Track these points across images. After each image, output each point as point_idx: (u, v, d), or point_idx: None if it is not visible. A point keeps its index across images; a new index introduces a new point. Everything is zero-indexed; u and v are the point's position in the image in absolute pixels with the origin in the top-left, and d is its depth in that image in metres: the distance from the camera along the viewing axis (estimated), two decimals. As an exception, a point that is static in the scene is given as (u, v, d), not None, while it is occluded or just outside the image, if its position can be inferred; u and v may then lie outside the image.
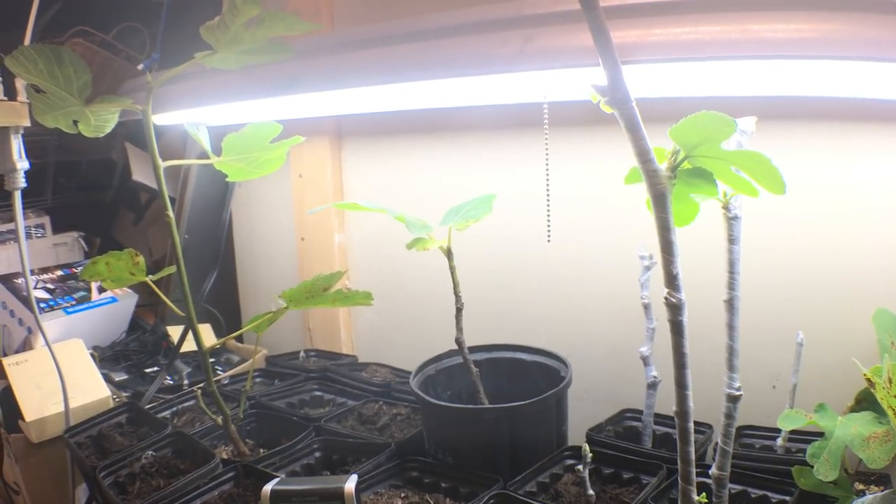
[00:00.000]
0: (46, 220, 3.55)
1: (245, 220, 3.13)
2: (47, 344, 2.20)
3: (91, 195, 4.00)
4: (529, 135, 2.12)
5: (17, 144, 2.04)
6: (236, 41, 1.54)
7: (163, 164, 1.67)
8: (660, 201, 1.04)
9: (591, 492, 1.53)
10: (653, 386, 1.79)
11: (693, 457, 1.20)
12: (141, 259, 1.73)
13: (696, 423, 1.71)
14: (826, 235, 1.74)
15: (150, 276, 1.78)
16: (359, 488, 1.35)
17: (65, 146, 3.63)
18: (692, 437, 1.19)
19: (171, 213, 1.69)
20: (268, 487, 1.35)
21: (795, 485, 1.47)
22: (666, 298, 1.10)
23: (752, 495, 1.55)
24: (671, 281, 1.08)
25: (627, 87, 0.96)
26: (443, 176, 2.40)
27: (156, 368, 2.75)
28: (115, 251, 1.71)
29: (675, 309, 1.10)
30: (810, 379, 1.66)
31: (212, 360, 2.78)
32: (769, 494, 1.54)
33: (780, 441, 1.70)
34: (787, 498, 1.50)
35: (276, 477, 1.63)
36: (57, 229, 3.61)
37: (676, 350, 1.12)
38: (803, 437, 1.66)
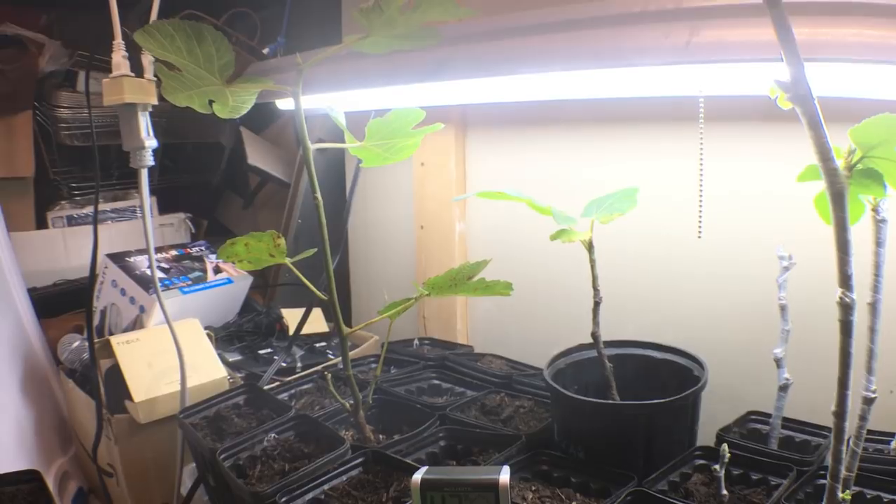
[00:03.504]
0: (153, 201, 3.59)
1: (361, 206, 3.14)
2: (168, 321, 2.20)
3: (197, 178, 4.04)
4: (673, 128, 2.10)
5: (144, 122, 2.04)
6: (390, 25, 1.53)
7: (312, 147, 1.66)
8: (837, 200, 1.04)
9: (724, 492, 1.52)
10: (784, 388, 1.77)
11: (844, 456, 1.20)
12: (282, 241, 1.73)
13: (815, 426, 1.74)
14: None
15: (289, 258, 1.78)
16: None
17: (171, 129, 3.66)
18: (846, 437, 1.18)
19: (319, 196, 1.69)
20: (417, 476, 1.34)
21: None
22: (840, 298, 1.08)
23: (868, 496, 1.54)
24: (845, 280, 1.08)
25: (810, 84, 0.96)
26: (569, 169, 2.38)
27: (269, 350, 2.77)
28: (256, 232, 1.71)
29: (847, 309, 1.09)
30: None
31: (323, 343, 2.79)
32: (882, 495, 1.54)
33: (893, 444, 1.69)
34: (899, 499, 1.51)
35: (410, 464, 1.63)
36: (163, 210, 3.64)
37: (843, 350, 1.12)
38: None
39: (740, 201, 2.02)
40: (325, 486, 1.69)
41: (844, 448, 1.19)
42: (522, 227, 1.66)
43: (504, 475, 1.31)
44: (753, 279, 1.98)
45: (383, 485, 1.69)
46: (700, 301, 2.15)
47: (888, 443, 1.71)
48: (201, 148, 3.96)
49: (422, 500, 1.33)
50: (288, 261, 1.76)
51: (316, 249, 1.76)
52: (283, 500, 1.62)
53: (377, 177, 3.00)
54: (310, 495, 1.66)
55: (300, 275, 1.80)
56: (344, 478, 1.73)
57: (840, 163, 1.05)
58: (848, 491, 1.25)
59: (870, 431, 1.73)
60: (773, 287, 1.73)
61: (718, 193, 2.02)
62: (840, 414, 1.16)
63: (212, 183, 4.04)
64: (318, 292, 1.79)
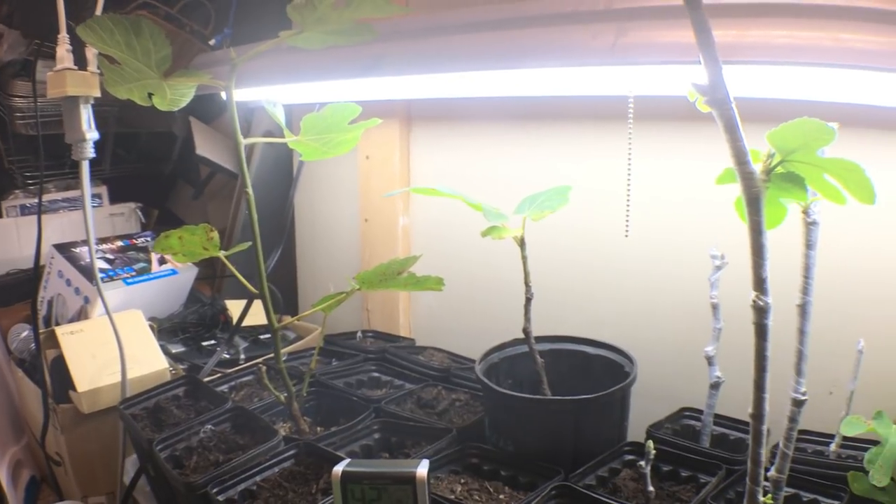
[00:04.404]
0: (104, 190, 3.58)
1: (307, 199, 3.15)
2: (108, 313, 2.21)
3: (149, 167, 4.03)
4: (606, 128, 2.12)
5: (86, 115, 2.04)
6: (323, 21, 1.54)
7: (244, 141, 1.67)
8: (753, 204, 1.04)
9: (650, 488, 1.54)
10: (715, 386, 1.79)
11: (763, 459, 1.20)
12: (215, 234, 1.74)
13: None
14: (891, 241, 1.74)
15: (223, 251, 1.78)
16: (430, 473, 1.35)
17: (124, 118, 3.65)
18: (765, 440, 1.19)
19: (250, 190, 1.70)
20: (339, 468, 1.34)
21: (846, 490, 1.48)
22: (754, 301, 1.09)
23: (804, 499, 1.55)
24: (759, 284, 1.08)
25: (728, 88, 0.97)
26: (514, 165, 2.39)
27: (213, 342, 2.77)
28: (189, 226, 1.72)
29: (761, 312, 1.09)
30: (865, 386, 1.65)
31: (268, 335, 2.80)
32: (820, 498, 1.54)
33: (833, 447, 1.69)
34: (837, 503, 1.51)
35: (340, 457, 1.64)
36: (114, 200, 3.63)
37: (759, 353, 1.12)
38: (854, 443, 1.66)
39: (674, 200, 2.04)
40: (257, 478, 1.70)
41: (764, 451, 1.20)
42: (465, 222, 1.67)
43: (422, 469, 1.32)
44: (689, 278, 1.99)
45: (314, 476, 1.71)
46: (637, 297, 2.17)
47: (829, 444, 1.71)
48: (154, 137, 3.94)
49: (342, 492, 1.34)
50: (221, 254, 1.77)
51: (250, 244, 1.76)
52: (215, 490, 1.64)
53: (324, 169, 3.01)
54: (242, 486, 1.68)
55: (232, 268, 1.80)
56: (276, 469, 1.74)
57: (759, 166, 1.07)
58: (770, 495, 1.26)
59: (810, 433, 1.75)
60: (707, 286, 1.75)
61: (651, 193, 2.05)
62: (757, 416, 1.17)
63: (164, 172, 4.02)
64: (249, 285, 1.79)
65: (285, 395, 1.90)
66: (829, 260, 1.74)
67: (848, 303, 1.80)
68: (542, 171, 2.32)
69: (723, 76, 0.96)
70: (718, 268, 1.73)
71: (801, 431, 1.77)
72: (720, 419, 1.86)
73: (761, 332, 1.11)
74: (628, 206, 1.90)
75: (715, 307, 1.75)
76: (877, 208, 1.70)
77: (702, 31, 0.93)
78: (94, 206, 3.42)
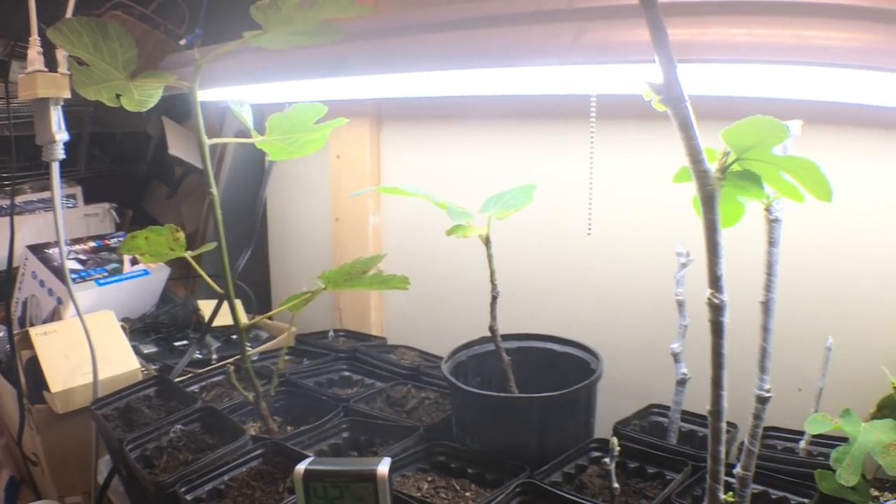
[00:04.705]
0: (78, 190, 3.57)
1: (279, 199, 3.15)
2: (78, 314, 2.21)
3: (124, 167, 4.02)
4: (572, 127, 2.13)
5: (56, 116, 2.04)
6: (287, 21, 1.54)
7: (208, 142, 1.68)
8: (708, 202, 1.05)
9: (616, 485, 1.54)
10: (682, 383, 1.80)
11: (723, 456, 1.21)
12: (181, 234, 1.74)
13: None
14: (859, 240, 1.75)
15: (189, 251, 1.79)
16: (391, 471, 1.35)
17: (100, 118, 3.65)
18: (724, 437, 1.20)
19: (215, 191, 1.71)
20: (301, 466, 1.35)
21: (815, 488, 1.48)
22: (709, 299, 1.10)
23: (773, 496, 1.55)
24: (714, 282, 1.09)
25: (682, 86, 0.97)
26: (482, 163, 2.40)
27: (185, 342, 2.78)
28: (155, 226, 1.72)
29: (717, 310, 1.10)
30: (835, 384, 1.66)
31: (240, 335, 2.80)
32: (789, 496, 1.54)
33: (802, 444, 1.69)
34: (807, 501, 1.51)
35: (307, 455, 1.64)
36: (88, 200, 3.63)
37: (715, 350, 1.13)
38: (825, 441, 1.66)
39: (639, 198, 2.06)
40: (225, 477, 1.71)
41: (724, 448, 1.21)
42: (435, 222, 1.67)
43: (383, 466, 1.33)
44: (656, 275, 1.99)
45: (281, 475, 1.71)
46: (605, 296, 2.18)
47: (798, 441, 1.71)
48: (129, 137, 3.94)
49: (304, 491, 1.34)
50: (188, 254, 1.77)
51: (215, 244, 1.76)
52: (184, 489, 1.64)
53: (296, 169, 3.01)
54: (210, 485, 1.68)
55: (198, 268, 1.80)
56: (244, 468, 1.74)
57: (715, 165, 1.07)
58: (732, 492, 1.26)
59: (780, 430, 1.76)
60: (671, 283, 1.75)
61: (615, 191, 2.06)
62: (715, 413, 1.17)
63: (138, 173, 4.02)
64: (214, 285, 1.80)
65: (254, 394, 1.90)
66: (797, 258, 1.76)
67: (817, 300, 1.81)
68: (509, 169, 2.33)
69: (677, 74, 0.96)
70: (684, 265, 1.74)
71: (771, 428, 1.78)
72: (688, 416, 1.86)
73: (717, 329, 1.12)
74: (590, 204, 1.91)
75: (680, 304, 1.75)
76: (845, 206, 1.72)
77: (656, 29, 0.93)
78: (68, 207, 3.43)
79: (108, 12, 3.07)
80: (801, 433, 1.70)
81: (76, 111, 3.48)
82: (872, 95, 1.56)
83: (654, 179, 1.98)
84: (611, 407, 1.91)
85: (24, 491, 2.72)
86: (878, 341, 1.73)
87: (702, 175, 1.03)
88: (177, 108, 3.46)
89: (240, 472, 1.73)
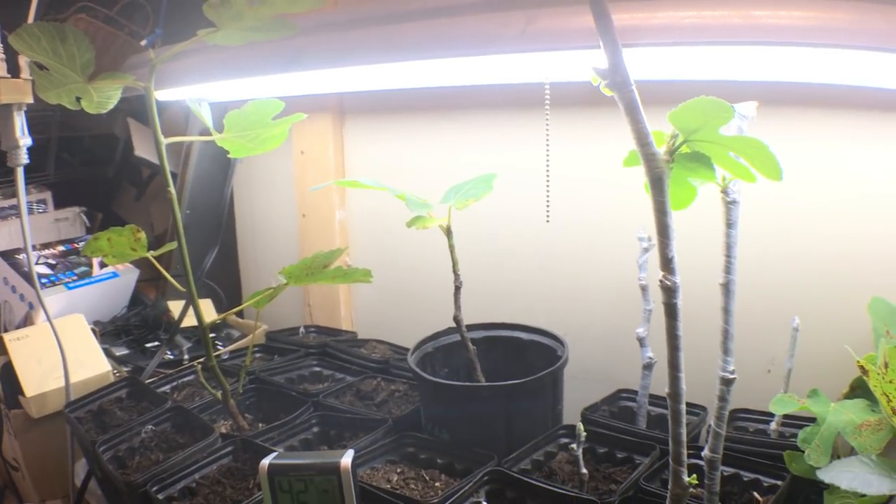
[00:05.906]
0: (48, 195, 3.55)
1: (246, 196, 3.15)
2: (48, 319, 2.23)
3: (93, 170, 4.00)
4: (532, 115, 2.13)
5: (20, 121, 2.06)
6: (239, 18, 1.54)
7: (165, 141, 1.68)
8: (657, 185, 1.05)
9: (584, 470, 1.54)
10: (648, 367, 1.81)
11: (685, 438, 1.21)
12: (142, 235, 1.75)
13: (690, 404, 1.72)
14: (824, 222, 1.75)
15: (152, 251, 1.79)
16: (355, 463, 1.35)
17: (67, 121, 3.63)
18: (684, 419, 1.19)
19: (172, 189, 1.71)
20: (265, 462, 1.36)
21: (788, 469, 1.47)
22: (661, 281, 1.10)
23: (745, 478, 1.55)
24: (666, 264, 1.09)
25: (628, 70, 0.97)
26: (444, 154, 2.41)
27: (156, 343, 2.77)
28: (117, 227, 1.72)
29: (669, 292, 1.11)
30: (806, 365, 1.66)
31: (212, 335, 2.80)
32: (761, 478, 1.54)
33: (773, 425, 1.69)
34: (779, 482, 1.50)
35: (274, 451, 1.64)
36: (59, 205, 3.61)
37: (670, 332, 1.13)
38: (797, 421, 1.65)
39: (597, 183, 2.07)
40: (196, 475, 1.72)
41: (684, 430, 1.21)
42: (401, 214, 1.67)
43: (346, 458, 1.33)
44: (618, 261, 2.00)
45: (251, 472, 1.72)
46: (569, 282, 2.19)
47: (769, 423, 1.72)
48: (96, 140, 3.92)
49: (270, 485, 1.35)
50: (150, 254, 1.78)
51: (175, 244, 1.76)
52: (155, 489, 1.65)
53: (261, 166, 3.01)
54: (181, 484, 1.69)
55: (161, 268, 1.80)
56: (214, 466, 1.75)
57: (664, 148, 1.07)
58: (695, 475, 1.26)
59: (751, 412, 1.77)
60: (635, 268, 1.76)
61: (573, 177, 2.07)
62: (674, 396, 1.18)
63: (107, 175, 4.01)
64: (177, 285, 1.80)
65: (221, 392, 1.90)
66: (765, 241, 1.76)
67: (785, 282, 1.82)
68: (470, 160, 2.34)
69: (622, 58, 0.96)
70: (646, 250, 1.75)
71: (742, 410, 1.79)
72: (657, 399, 1.87)
73: (671, 311, 1.12)
74: (548, 191, 1.91)
75: (644, 289, 1.76)
76: (813, 188, 1.72)
77: (600, 14, 0.94)
78: (39, 212, 3.41)
79: (73, 16, 3.06)
80: (772, 415, 1.69)
81: (43, 116, 3.46)
82: (829, 74, 1.56)
83: (612, 165, 1.97)
84: (581, 393, 1.92)
85: (7, 497, 2.72)
86: (846, 322, 1.74)
87: (649, 158, 1.03)
88: (143, 109, 3.45)
89: (210, 469, 1.74)
